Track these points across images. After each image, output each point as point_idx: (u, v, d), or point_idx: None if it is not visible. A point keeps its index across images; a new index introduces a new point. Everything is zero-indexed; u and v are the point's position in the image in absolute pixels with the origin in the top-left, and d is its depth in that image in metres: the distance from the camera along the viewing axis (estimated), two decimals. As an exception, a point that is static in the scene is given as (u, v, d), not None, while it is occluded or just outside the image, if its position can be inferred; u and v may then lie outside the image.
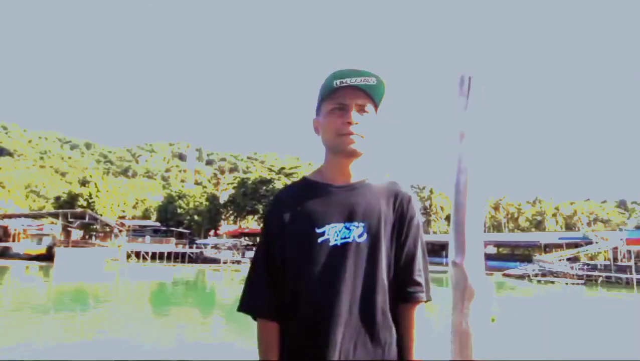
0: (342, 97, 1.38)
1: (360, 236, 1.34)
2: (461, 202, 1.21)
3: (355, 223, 1.35)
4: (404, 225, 1.40)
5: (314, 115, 1.50)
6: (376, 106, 1.44)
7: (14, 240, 55.09)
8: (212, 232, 63.76)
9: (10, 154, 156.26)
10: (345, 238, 1.34)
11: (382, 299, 1.33)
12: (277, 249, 1.38)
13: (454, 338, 1.18)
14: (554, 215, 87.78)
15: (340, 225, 1.35)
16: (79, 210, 51.76)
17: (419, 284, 1.36)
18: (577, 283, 38.36)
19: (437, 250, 54.06)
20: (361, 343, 1.30)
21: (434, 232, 79.79)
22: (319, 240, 1.34)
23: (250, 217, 68.10)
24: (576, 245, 50.01)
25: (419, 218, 1.45)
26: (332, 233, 1.34)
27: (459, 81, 1.30)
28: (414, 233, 1.41)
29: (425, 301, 1.39)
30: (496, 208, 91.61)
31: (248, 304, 1.39)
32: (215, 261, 51.60)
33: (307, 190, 1.42)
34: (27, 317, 16.40)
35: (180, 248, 54.41)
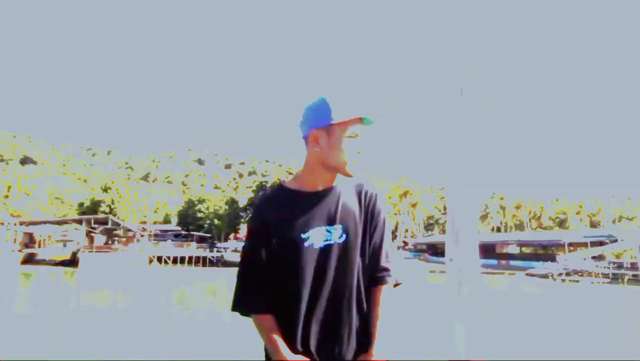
0: (357, 127, 1.51)
1: (340, 237, 1.50)
2: (454, 207, 1.29)
3: (335, 226, 1.50)
4: (372, 220, 1.55)
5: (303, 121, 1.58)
6: None
7: (39, 246, 56.45)
8: (232, 236, 64.27)
9: (34, 162, 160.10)
10: (327, 240, 1.49)
11: (357, 290, 1.51)
12: (265, 256, 1.50)
13: (452, 330, 1.21)
14: (578, 213, 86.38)
15: (322, 229, 1.50)
16: (102, 215, 52.76)
17: (386, 269, 1.53)
18: (603, 282, 37.60)
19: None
20: (346, 333, 1.48)
21: (455, 232, 78.77)
22: (305, 244, 1.48)
23: (269, 220, 68.44)
24: (601, 244, 49.04)
25: (385, 212, 1.60)
26: (316, 237, 1.48)
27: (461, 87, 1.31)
28: (381, 226, 1.57)
29: (394, 285, 1.56)
30: (518, 207, 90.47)
31: (244, 304, 1.52)
32: (235, 264, 51.94)
33: (287, 198, 1.54)
34: (52, 321, 16.70)
35: (201, 252, 55.00)
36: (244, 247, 1.56)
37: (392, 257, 1.57)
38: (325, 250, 1.48)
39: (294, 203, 1.52)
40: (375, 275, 1.53)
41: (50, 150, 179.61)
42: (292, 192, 1.55)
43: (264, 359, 1.56)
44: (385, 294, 1.52)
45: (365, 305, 1.51)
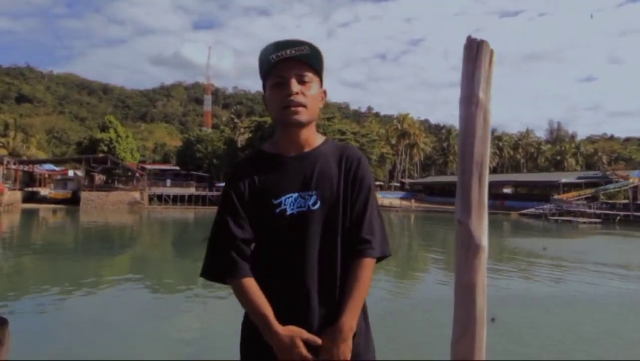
0: (281, 70, 1.42)
1: (314, 204, 1.41)
2: (467, 164, 1.28)
3: (309, 192, 1.42)
4: (354, 187, 1.45)
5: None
6: (318, 74, 1.47)
7: (40, 185, 56.80)
8: (231, 175, 64.61)
9: (29, 101, 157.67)
10: (300, 207, 1.41)
11: (342, 262, 1.42)
12: (238, 222, 1.41)
13: (458, 292, 1.29)
14: (574, 154, 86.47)
15: (295, 195, 1.42)
16: (101, 155, 52.70)
17: (367, 241, 1.42)
18: (595, 222, 38.38)
19: (455, 190, 54.12)
20: (325, 306, 1.39)
21: (452, 173, 79.62)
22: (276, 210, 1.41)
23: (268, 160, 68.62)
24: (595, 185, 49.60)
25: (369, 179, 1.50)
26: (289, 203, 1.41)
27: (466, 44, 1.33)
28: (364, 193, 1.46)
29: (377, 259, 1.46)
30: (515, 148, 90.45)
31: (217, 270, 1.43)
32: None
33: (263, 162, 1.47)
34: (58, 257, 17.21)
35: (200, 192, 55.46)
36: (217, 212, 1.47)
37: (377, 227, 1.46)
38: (298, 217, 1.40)
39: (268, 168, 1.46)
40: (355, 247, 1.42)
41: (45, 88, 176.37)
42: (268, 156, 1.49)
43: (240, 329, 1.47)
44: (366, 268, 1.41)
45: (339, 279, 1.41)
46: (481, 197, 1.27)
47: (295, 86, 1.41)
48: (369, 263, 1.42)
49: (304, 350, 1.32)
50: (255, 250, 1.45)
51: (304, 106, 1.42)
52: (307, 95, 1.43)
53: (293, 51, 1.40)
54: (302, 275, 1.39)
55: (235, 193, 1.44)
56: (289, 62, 1.41)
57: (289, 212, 1.41)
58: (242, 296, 1.38)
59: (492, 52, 1.31)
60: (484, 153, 1.29)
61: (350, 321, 1.36)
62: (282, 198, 1.42)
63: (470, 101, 1.31)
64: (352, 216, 1.44)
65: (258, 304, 1.35)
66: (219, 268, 1.42)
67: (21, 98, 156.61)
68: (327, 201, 1.42)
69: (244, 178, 1.45)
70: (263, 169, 1.46)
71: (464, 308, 1.29)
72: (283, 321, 1.34)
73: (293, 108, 1.41)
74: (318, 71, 1.47)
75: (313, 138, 1.50)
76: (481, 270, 1.27)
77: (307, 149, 1.48)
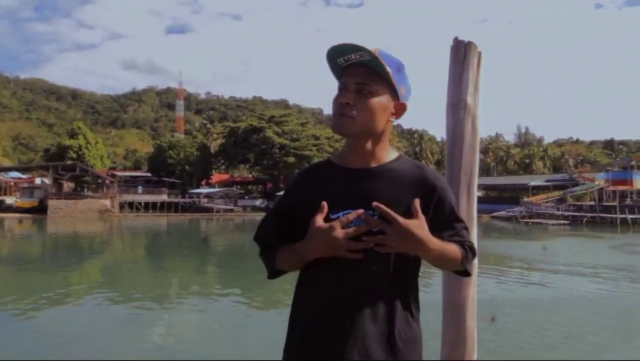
0: (345, 75, 1.32)
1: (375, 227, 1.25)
2: (455, 173, 1.21)
3: (371, 212, 1.25)
4: (434, 216, 1.29)
5: None
6: (388, 84, 1.31)
7: (5, 193, 54.98)
8: (204, 182, 63.87)
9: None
10: (358, 226, 1.26)
11: (400, 298, 1.28)
12: (271, 228, 1.40)
13: (446, 310, 1.23)
14: (542, 157, 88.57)
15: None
16: (69, 162, 51.37)
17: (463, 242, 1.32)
18: (563, 224, 39.32)
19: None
20: (376, 342, 1.24)
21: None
22: None
23: (241, 165, 68.14)
24: (563, 187, 50.90)
25: (451, 198, 1.36)
26: None
27: (452, 45, 1.26)
28: (447, 221, 1.32)
29: (462, 272, 1.36)
30: (485, 152, 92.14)
31: (267, 269, 1.41)
32: (208, 210, 52.01)
33: (327, 172, 1.37)
34: (24, 269, 16.61)
35: (173, 198, 54.64)
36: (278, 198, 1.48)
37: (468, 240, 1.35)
38: (354, 237, 1.24)
39: (330, 179, 1.34)
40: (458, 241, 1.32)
41: (11, 94, 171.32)
42: (333, 167, 1.38)
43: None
44: (459, 253, 1.30)
45: (413, 322, 1.29)
46: (470, 208, 1.20)
47: (348, 95, 1.29)
48: (459, 255, 1.30)
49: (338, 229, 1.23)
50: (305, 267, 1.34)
51: (352, 118, 1.28)
52: (360, 106, 1.28)
53: (357, 56, 1.28)
54: (350, 305, 1.25)
55: (287, 200, 1.41)
56: (353, 68, 1.30)
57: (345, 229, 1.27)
58: (285, 262, 1.36)
59: (480, 54, 1.25)
60: (473, 161, 1.22)
61: (434, 242, 1.23)
62: (340, 214, 1.27)
63: (457, 107, 1.24)
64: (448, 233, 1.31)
65: (287, 254, 1.33)
66: (266, 267, 1.40)
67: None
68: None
69: (304, 186, 1.38)
70: (327, 180, 1.36)
71: (452, 327, 1.22)
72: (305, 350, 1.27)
73: (339, 118, 1.30)
74: (387, 80, 1.30)
75: (382, 153, 1.36)
76: (471, 287, 1.19)
77: (374, 164, 1.34)
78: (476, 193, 1.21)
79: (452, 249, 1.28)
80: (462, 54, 1.23)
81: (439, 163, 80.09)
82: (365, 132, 1.31)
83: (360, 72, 1.29)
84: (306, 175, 1.43)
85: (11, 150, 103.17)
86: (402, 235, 1.18)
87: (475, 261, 1.20)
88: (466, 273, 1.38)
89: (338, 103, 1.30)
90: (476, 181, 1.21)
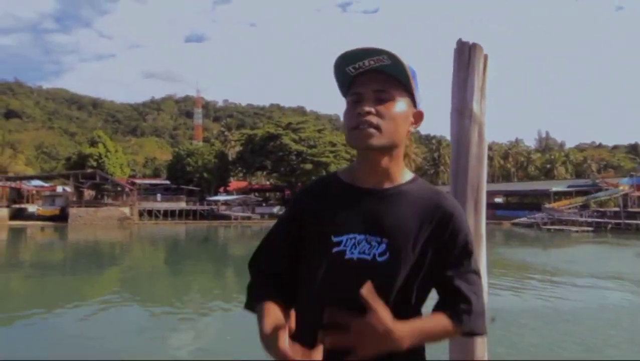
0: (358, 85, 1.17)
1: (381, 255, 1.15)
2: (461, 187, 1.11)
3: (378, 238, 1.16)
4: (445, 248, 1.16)
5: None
6: (407, 89, 1.19)
7: (27, 202, 56.05)
8: (221, 189, 64.26)
9: (18, 116, 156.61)
10: (363, 253, 1.16)
11: None
12: (282, 252, 1.24)
13: None
14: (564, 162, 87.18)
15: (361, 237, 1.17)
16: (89, 170, 52.14)
17: (457, 310, 1.14)
18: (586, 231, 38.46)
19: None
20: None
21: (443, 183, 79.88)
22: (334, 249, 1.17)
23: (259, 172, 68.42)
24: (586, 193, 49.85)
25: (468, 236, 1.19)
26: (350, 244, 1.17)
27: (456, 48, 1.16)
28: (462, 255, 1.17)
29: (467, 334, 1.15)
30: (505, 157, 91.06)
31: (247, 298, 1.24)
32: (226, 217, 52.27)
33: (333, 190, 1.24)
34: (47, 275, 16.82)
35: (191, 206, 55.03)
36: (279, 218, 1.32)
37: (475, 297, 1.15)
38: (357, 265, 1.15)
39: (337, 198, 1.22)
40: (456, 310, 1.14)
41: (34, 104, 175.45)
42: (341, 184, 1.24)
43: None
44: (445, 327, 1.12)
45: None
46: (478, 226, 1.09)
47: (368, 104, 1.15)
48: (450, 327, 1.12)
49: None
50: (300, 285, 1.22)
51: (377, 128, 1.14)
52: (385, 115, 1.15)
53: (372, 62, 1.15)
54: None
55: (289, 219, 1.26)
56: (368, 75, 1.16)
57: (347, 255, 1.16)
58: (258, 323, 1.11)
59: (486, 57, 1.13)
60: (481, 174, 1.09)
61: (403, 330, 1.05)
62: (343, 238, 1.17)
63: (462, 114, 1.11)
64: (444, 281, 1.16)
65: (266, 323, 1.07)
66: (247, 296, 1.23)
67: (10, 114, 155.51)
68: (400, 254, 1.14)
69: (307, 204, 1.25)
70: (332, 198, 1.22)
71: (460, 352, 1.11)
72: None
73: (362, 129, 1.14)
74: (406, 85, 1.18)
75: (397, 173, 1.22)
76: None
77: (387, 185, 1.21)
78: (484, 209, 1.10)
79: (437, 326, 1.12)
80: (466, 56, 1.13)
81: (457, 169, 79.03)
82: (390, 144, 1.17)
83: (377, 79, 1.16)
84: (309, 191, 1.30)
85: (34, 159, 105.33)
86: (371, 332, 1.01)
87: (483, 279, 1.08)
88: (475, 334, 1.17)
89: (357, 113, 1.15)
90: (484, 195, 1.10)
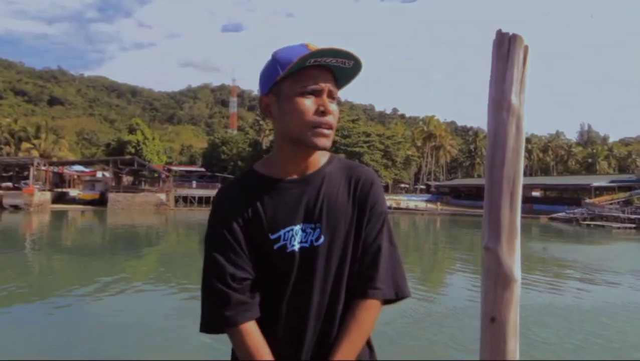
0: (316, 78, 1.14)
1: (317, 239, 1.18)
2: (497, 179, 1.09)
3: (313, 224, 1.19)
4: (364, 216, 1.21)
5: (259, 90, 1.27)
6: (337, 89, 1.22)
7: (69, 186, 58.15)
8: (255, 177, 65.11)
9: (61, 103, 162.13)
10: (302, 242, 1.18)
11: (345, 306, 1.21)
12: (230, 263, 1.17)
13: (484, 331, 1.11)
14: (607, 157, 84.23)
15: (297, 228, 1.18)
16: (128, 157, 53.59)
17: (371, 279, 1.19)
18: (629, 228, 37.13)
19: (482, 193, 53.53)
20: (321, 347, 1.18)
21: (479, 175, 78.44)
22: (275, 246, 1.18)
23: (292, 162, 68.89)
24: (629, 189, 48.06)
25: (383, 205, 1.25)
26: (289, 237, 1.18)
27: (495, 40, 1.15)
28: (375, 223, 1.22)
29: (384, 301, 1.21)
30: (544, 151, 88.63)
31: (217, 319, 1.18)
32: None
33: (257, 187, 1.22)
34: (87, 257, 17.45)
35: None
36: (205, 253, 1.23)
37: (387, 264, 1.21)
38: (300, 255, 1.18)
39: (263, 194, 1.20)
40: (358, 286, 1.19)
41: (76, 91, 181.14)
42: (263, 180, 1.23)
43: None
44: (367, 311, 1.18)
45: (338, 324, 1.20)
46: (513, 220, 1.07)
47: (331, 103, 1.16)
48: (371, 305, 1.18)
49: None
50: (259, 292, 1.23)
51: (332, 128, 1.17)
52: (336, 116, 1.18)
53: (334, 61, 1.14)
54: (300, 323, 1.18)
55: (223, 226, 1.18)
56: (325, 72, 1.16)
57: (289, 248, 1.18)
58: (238, 345, 1.15)
59: (526, 48, 1.12)
60: (517, 167, 1.08)
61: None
62: (281, 232, 1.18)
63: (500, 106, 1.11)
64: (363, 249, 1.21)
65: (255, 353, 1.13)
66: (216, 317, 1.17)
67: (53, 101, 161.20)
68: (333, 234, 1.19)
69: (233, 207, 1.20)
70: (257, 196, 1.20)
71: (491, 350, 1.11)
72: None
73: (325, 131, 1.15)
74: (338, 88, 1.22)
75: (317, 158, 1.24)
76: (512, 305, 1.06)
77: (310, 171, 1.23)
78: (520, 203, 1.09)
79: (359, 336, 1.17)
80: (505, 48, 1.11)
81: (493, 162, 77.74)
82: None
83: (329, 77, 1.17)
84: (230, 194, 1.24)
85: (75, 145, 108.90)
86: None
87: (517, 275, 1.08)
88: (393, 302, 1.25)
89: (319, 110, 1.14)
90: (520, 189, 1.09)
